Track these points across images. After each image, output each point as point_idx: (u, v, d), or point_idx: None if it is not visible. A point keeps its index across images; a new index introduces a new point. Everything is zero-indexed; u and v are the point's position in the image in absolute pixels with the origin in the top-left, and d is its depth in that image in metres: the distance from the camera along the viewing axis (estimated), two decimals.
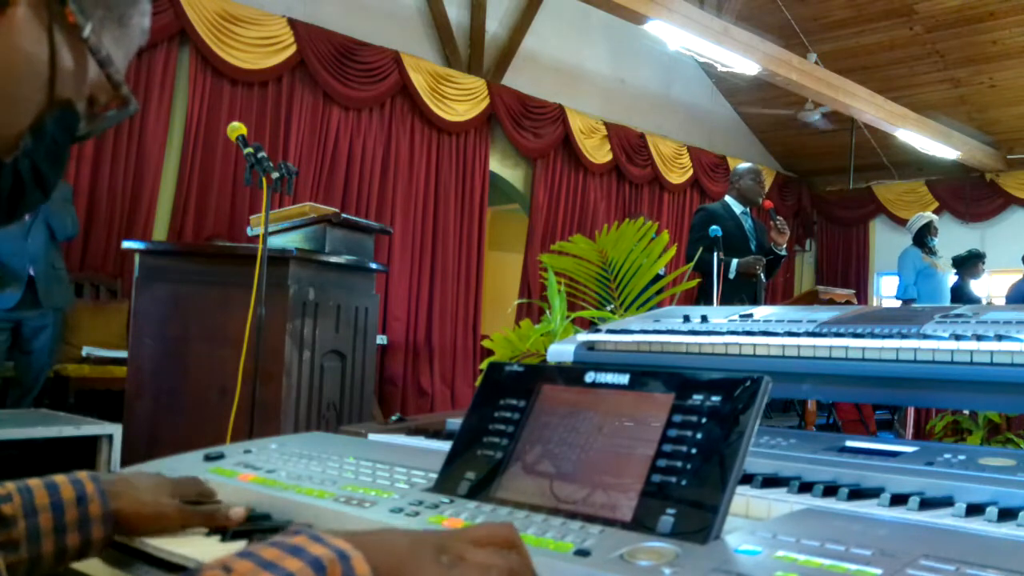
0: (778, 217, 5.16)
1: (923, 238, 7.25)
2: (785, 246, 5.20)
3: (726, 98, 10.55)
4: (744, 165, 5.51)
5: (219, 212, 6.02)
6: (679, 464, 0.73)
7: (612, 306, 2.93)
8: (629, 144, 9.00)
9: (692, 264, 4.20)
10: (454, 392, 7.41)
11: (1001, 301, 8.78)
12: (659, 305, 2.94)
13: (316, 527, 0.68)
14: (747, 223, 5.21)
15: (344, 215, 3.86)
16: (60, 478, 0.81)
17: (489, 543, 0.62)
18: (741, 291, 4.86)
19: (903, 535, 0.68)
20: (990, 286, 9.35)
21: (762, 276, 5.01)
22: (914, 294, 7.11)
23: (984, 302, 7.95)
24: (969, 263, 7.70)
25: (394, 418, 1.66)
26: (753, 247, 5.11)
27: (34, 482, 0.80)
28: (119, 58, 0.68)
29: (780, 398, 4.11)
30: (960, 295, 7.42)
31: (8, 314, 4.47)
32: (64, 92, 0.65)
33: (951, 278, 7.82)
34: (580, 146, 8.44)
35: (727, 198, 5.33)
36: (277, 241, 3.59)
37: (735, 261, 4.87)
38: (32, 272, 4.49)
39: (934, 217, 7.49)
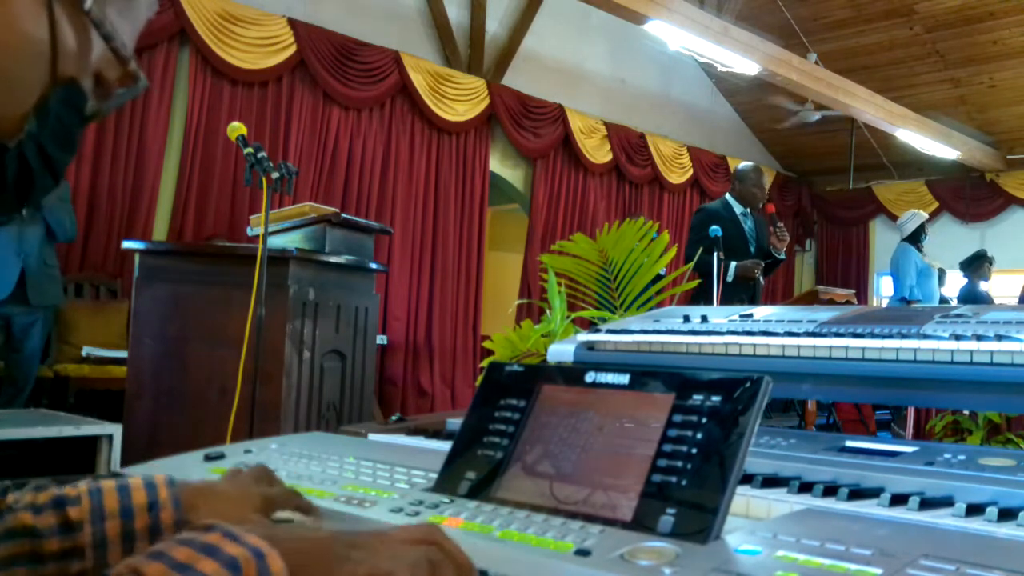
0: (779, 223, 5.15)
1: (919, 236, 7.21)
2: (784, 250, 5.19)
3: (726, 98, 10.55)
4: (745, 165, 5.48)
5: (219, 212, 6.02)
6: (679, 464, 0.73)
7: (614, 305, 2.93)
8: (629, 144, 9.00)
9: (692, 264, 4.20)
10: (454, 392, 7.42)
11: (1004, 302, 8.77)
12: (659, 305, 2.94)
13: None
14: (747, 224, 5.19)
15: (344, 215, 3.86)
16: (135, 480, 0.76)
17: (406, 540, 0.62)
18: (740, 292, 4.86)
19: (903, 535, 0.68)
20: (991, 286, 9.34)
21: (760, 278, 5.01)
22: (918, 295, 7.04)
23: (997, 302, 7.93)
24: (976, 264, 7.68)
25: (394, 418, 1.66)
26: (752, 248, 5.10)
27: (107, 484, 0.75)
28: (125, 32, 0.65)
29: (780, 398, 4.11)
30: (971, 298, 7.35)
31: None
32: (67, 69, 0.61)
33: (948, 278, 7.82)
34: (580, 146, 8.44)
35: (727, 197, 5.30)
36: (277, 241, 3.59)
37: (733, 264, 4.86)
38: (24, 267, 4.48)
39: (924, 216, 7.47)
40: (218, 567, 0.51)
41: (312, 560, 0.57)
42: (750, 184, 5.21)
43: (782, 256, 5.19)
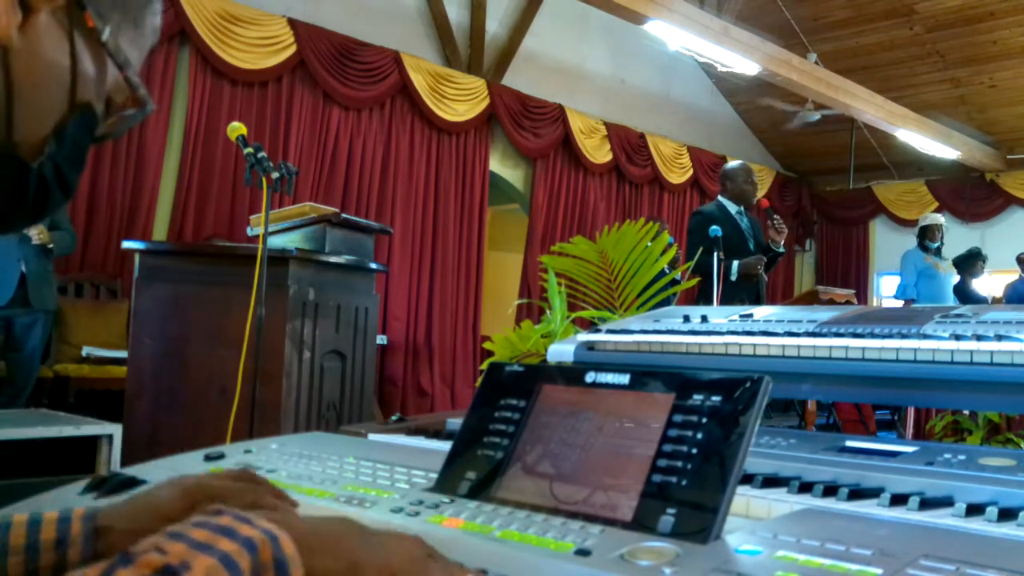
0: (775, 216, 5.13)
1: (923, 239, 7.26)
2: (783, 243, 5.17)
3: (726, 98, 10.55)
4: (733, 164, 5.42)
5: (219, 212, 6.02)
6: (679, 464, 0.73)
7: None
8: (629, 144, 9.00)
9: (691, 264, 4.19)
10: (454, 392, 7.41)
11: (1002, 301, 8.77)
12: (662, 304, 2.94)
13: None
14: (743, 222, 5.18)
15: (344, 215, 3.86)
16: (48, 516, 0.72)
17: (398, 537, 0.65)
18: (743, 291, 4.85)
19: (903, 535, 0.68)
20: (990, 286, 9.34)
21: (763, 275, 5.00)
22: (913, 294, 7.11)
23: (989, 301, 7.95)
24: (968, 263, 7.71)
25: (394, 418, 1.66)
26: (751, 246, 5.08)
27: (17, 518, 0.71)
28: (135, 59, 0.69)
29: (780, 398, 4.11)
30: (963, 295, 7.42)
31: (0, 312, 4.51)
32: (85, 96, 0.65)
33: (955, 279, 7.83)
34: (580, 146, 8.44)
35: (720, 199, 5.25)
36: (277, 241, 3.59)
37: (736, 263, 4.85)
38: (24, 271, 4.53)
39: (939, 220, 7.47)
40: (237, 547, 0.53)
41: (322, 544, 0.59)
42: (740, 181, 5.17)
43: (782, 250, 5.16)
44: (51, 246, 4.63)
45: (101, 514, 0.73)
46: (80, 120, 0.66)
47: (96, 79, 0.66)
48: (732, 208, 5.17)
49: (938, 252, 7.28)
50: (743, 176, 5.19)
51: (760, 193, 6.29)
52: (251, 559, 0.53)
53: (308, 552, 0.57)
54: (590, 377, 0.85)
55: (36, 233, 4.53)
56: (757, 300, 4.90)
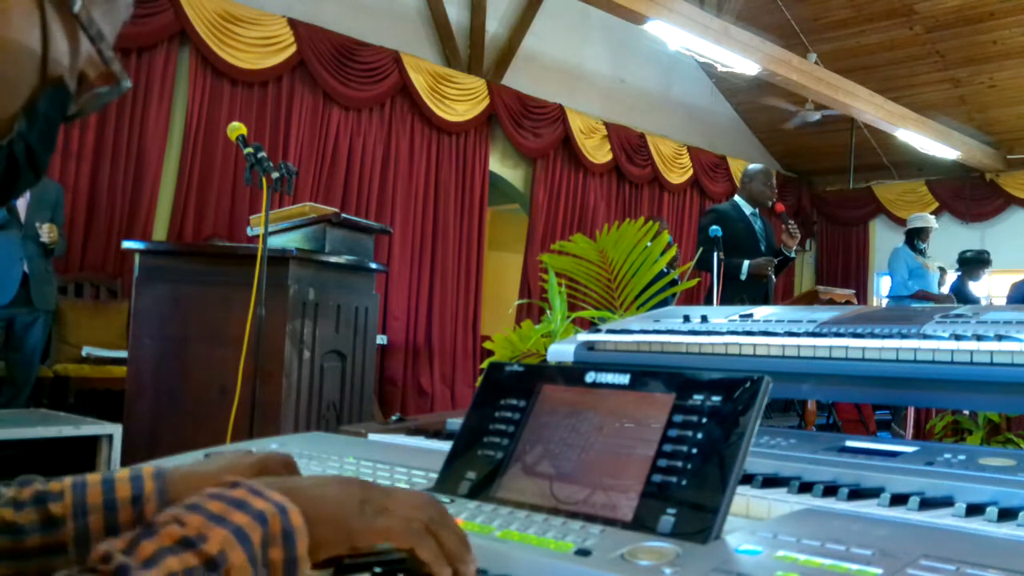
0: (791, 221, 5.25)
1: (913, 239, 7.29)
2: (795, 249, 5.30)
3: (726, 98, 10.54)
4: (755, 167, 5.57)
5: (219, 212, 6.02)
6: (679, 464, 0.73)
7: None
8: (629, 144, 9.00)
9: (690, 265, 4.22)
10: (454, 392, 7.41)
11: (1001, 302, 8.77)
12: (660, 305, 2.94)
13: None
14: (756, 224, 5.28)
15: (344, 215, 3.86)
16: (121, 473, 0.75)
17: (409, 503, 0.67)
18: (752, 291, 4.91)
19: (903, 535, 0.68)
20: (990, 286, 9.35)
21: (772, 276, 5.09)
22: (915, 287, 7.12)
23: (984, 302, 7.96)
24: (972, 264, 7.71)
25: (394, 418, 1.66)
26: (763, 248, 5.19)
27: (92, 477, 0.74)
28: (108, 32, 0.66)
29: (780, 398, 4.11)
30: (959, 295, 7.44)
31: (1, 312, 4.51)
32: (57, 70, 0.63)
33: (949, 277, 7.84)
34: (580, 146, 8.44)
35: (737, 199, 5.40)
36: (277, 241, 3.59)
37: (746, 263, 4.93)
38: (27, 270, 4.54)
39: (931, 223, 7.47)
40: (249, 519, 0.56)
41: (329, 514, 0.63)
42: (759, 183, 5.31)
43: (792, 254, 5.30)
44: (53, 246, 4.64)
45: (169, 473, 0.77)
46: (52, 97, 0.63)
47: (68, 53, 0.63)
48: (747, 209, 5.28)
49: (923, 252, 7.32)
50: (761, 179, 5.32)
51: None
52: (262, 531, 0.56)
53: (311, 522, 0.60)
54: (590, 377, 0.85)
55: (47, 231, 4.53)
56: (765, 300, 4.97)
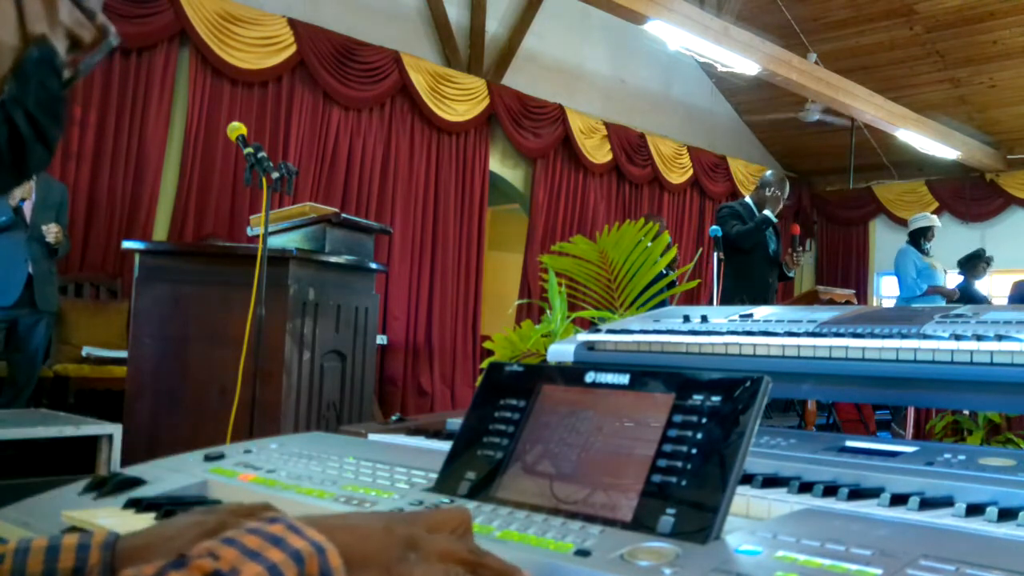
0: (799, 247, 5.45)
1: (918, 239, 7.26)
2: (794, 272, 5.55)
3: (726, 98, 10.54)
4: (774, 175, 5.73)
5: (219, 212, 6.02)
6: (679, 464, 0.73)
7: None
8: (629, 144, 9.00)
9: (690, 267, 4.25)
10: (454, 392, 7.41)
11: (1002, 301, 8.77)
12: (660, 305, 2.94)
13: None
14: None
15: (344, 215, 3.86)
16: (67, 540, 0.69)
17: (445, 527, 0.64)
18: (756, 293, 4.99)
19: (903, 535, 0.68)
20: (991, 286, 9.34)
21: (773, 281, 5.23)
22: (920, 290, 7.07)
23: (989, 301, 7.95)
24: (972, 263, 7.71)
25: (394, 418, 1.66)
26: (771, 250, 5.34)
27: (36, 544, 0.69)
28: None
29: (780, 398, 4.12)
30: (966, 295, 7.42)
31: (5, 312, 4.52)
32: (36, 27, 0.61)
33: (954, 278, 7.83)
34: (580, 146, 8.44)
35: (748, 200, 5.54)
36: (277, 241, 3.59)
37: (739, 227, 5.14)
38: (31, 272, 4.55)
39: (935, 223, 7.46)
40: (285, 557, 0.54)
41: (369, 557, 0.59)
42: (767, 190, 5.45)
43: (791, 274, 5.54)
44: (58, 247, 4.64)
45: (120, 542, 0.72)
46: (39, 57, 0.62)
47: (46, 8, 0.62)
48: (757, 212, 5.36)
49: (928, 252, 7.30)
50: (773, 186, 5.47)
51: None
52: (297, 570, 0.54)
53: (350, 565, 0.57)
54: (590, 377, 0.85)
55: (53, 232, 4.55)
56: (765, 302, 5.01)
